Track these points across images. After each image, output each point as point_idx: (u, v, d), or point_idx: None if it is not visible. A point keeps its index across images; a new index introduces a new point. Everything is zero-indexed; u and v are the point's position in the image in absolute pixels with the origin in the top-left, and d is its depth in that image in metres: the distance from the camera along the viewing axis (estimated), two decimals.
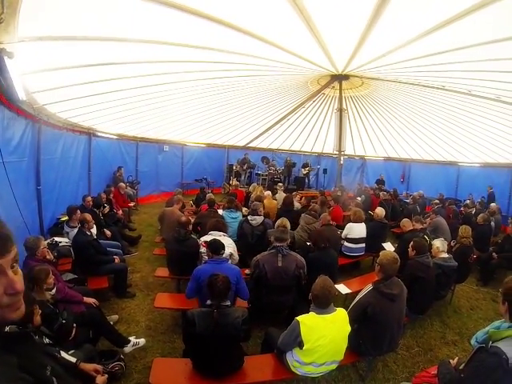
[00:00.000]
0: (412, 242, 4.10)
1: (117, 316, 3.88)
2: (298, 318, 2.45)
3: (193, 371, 2.47)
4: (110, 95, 5.67)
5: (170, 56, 4.62)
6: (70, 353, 2.30)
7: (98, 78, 4.72)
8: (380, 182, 13.66)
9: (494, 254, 5.96)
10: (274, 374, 2.61)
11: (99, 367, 2.31)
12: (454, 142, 10.54)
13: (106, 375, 2.33)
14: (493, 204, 8.80)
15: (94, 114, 6.61)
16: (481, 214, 6.79)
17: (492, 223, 7.25)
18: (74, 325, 2.76)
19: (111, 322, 3.58)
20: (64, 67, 3.92)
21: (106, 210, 6.47)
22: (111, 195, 7.24)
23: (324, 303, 2.47)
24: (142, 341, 3.34)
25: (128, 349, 3.19)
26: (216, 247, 3.37)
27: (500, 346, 1.74)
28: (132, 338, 3.30)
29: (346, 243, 5.47)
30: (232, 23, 3.64)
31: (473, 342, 2.07)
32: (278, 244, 3.58)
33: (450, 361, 2.37)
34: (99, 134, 8.40)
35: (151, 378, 2.42)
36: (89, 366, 2.24)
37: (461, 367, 2.09)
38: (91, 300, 3.44)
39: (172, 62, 4.90)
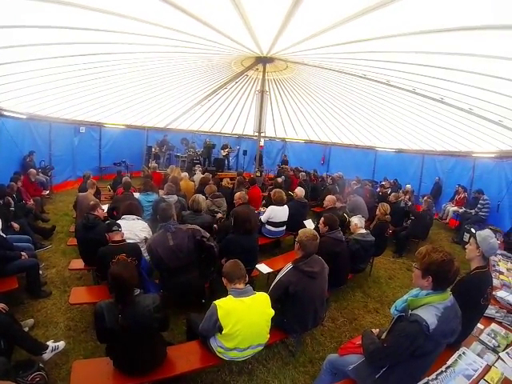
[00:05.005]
0: (322, 218, 4.17)
1: (32, 320, 3.49)
2: (216, 301, 2.39)
3: (115, 370, 2.33)
4: (15, 66, 4.86)
5: (81, 23, 4.00)
6: None
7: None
8: (284, 162, 14.70)
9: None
10: (202, 362, 2.56)
11: None
12: (372, 128, 11.37)
13: None
14: (408, 185, 9.81)
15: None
16: (393, 193, 7.59)
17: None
18: None
19: (26, 328, 3.25)
20: None
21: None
22: (19, 183, 6.38)
23: (236, 276, 2.46)
24: (61, 344, 3.06)
25: (47, 355, 2.90)
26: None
27: (419, 313, 1.82)
28: (50, 343, 3.00)
29: (267, 226, 5.44)
30: None
31: (392, 311, 2.12)
32: (164, 223, 3.44)
33: (373, 330, 2.41)
34: (6, 113, 7.22)
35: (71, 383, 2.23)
36: None
37: (383, 336, 2.15)
38: None
39: (82, 29, 4.24)
